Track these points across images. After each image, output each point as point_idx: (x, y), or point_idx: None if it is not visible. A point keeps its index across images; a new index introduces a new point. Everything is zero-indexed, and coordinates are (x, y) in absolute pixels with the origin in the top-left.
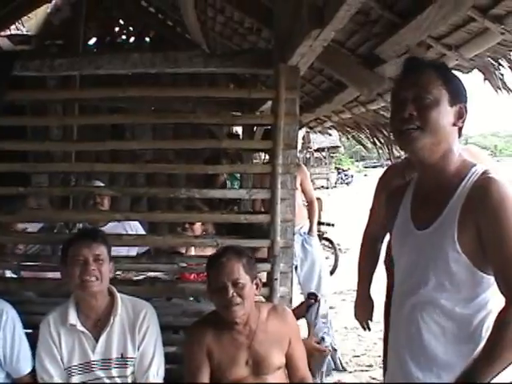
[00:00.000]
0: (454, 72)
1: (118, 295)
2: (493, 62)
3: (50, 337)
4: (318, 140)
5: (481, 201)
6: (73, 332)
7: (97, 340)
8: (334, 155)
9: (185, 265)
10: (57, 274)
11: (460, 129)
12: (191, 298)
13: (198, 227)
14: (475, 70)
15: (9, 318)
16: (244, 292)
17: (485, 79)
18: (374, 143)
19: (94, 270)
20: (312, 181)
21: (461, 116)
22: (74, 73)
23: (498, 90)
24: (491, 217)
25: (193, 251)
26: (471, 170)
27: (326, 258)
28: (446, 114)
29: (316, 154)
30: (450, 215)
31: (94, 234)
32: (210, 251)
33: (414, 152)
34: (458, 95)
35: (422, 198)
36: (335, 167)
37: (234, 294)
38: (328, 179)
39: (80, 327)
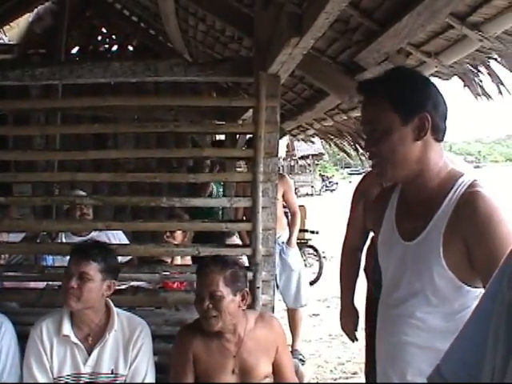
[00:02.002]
0: (432, 78)
1: (115, 310)
2: (472, 68)
3: (41, 344)
4: (302, 147)
5: (469, 217)
6: (65, 343)
7: (89, 353)
8: (319, 162)
9: (168, 273)
10: (39, 284)
11: (436, 138)
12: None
13: (178, 235)
14: (455, 77)
15: (7, 330)
16: (221, 304)
17: (464, 86)
18: (357, 150)
19: (74, 288)
20: (297, 188)
21: (421, 128)
22: (55, 82)
23: (478, 97)
24: (480, 234)
25: (178, 260)
26: (458, 181)
27: (310, 266)
28: (400, 137)
29: (300, 162)
30: (435, 229)
31: (86, 251)
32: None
33: (387, 183)
34: (412, 109)
35: (406, 207)
36: (320, 174)
37: (210, 306)
38: (313, 186)
39: (73, 339)
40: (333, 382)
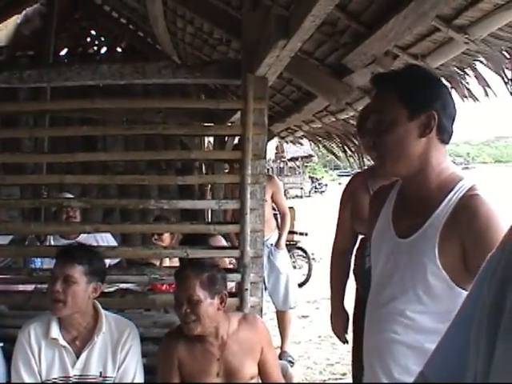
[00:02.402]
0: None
1: (103, 312)
2: (459, 71)
3: (29, 347)
4: (291, 149)
5: (467, 220)
6: (54, 346)
7: (77, 356)
8: (308, 164)
9: (157, 276)
10: (28, 287)
11: (441, 139)
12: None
13: (166, 237)
14: (442, 79)
15: None
16: (199, 309)
17: (451, 88)
18: (345, 152)
19: (59, 292)
20: (286, 190)
21: (427, 125)
22: (43, 84)
23: (465, 99)
24: (477, 237)
25: (167, 262)
26: (458, 183)
27: (300, 268)
28: (405, 131)
29: (290, 164)
30: (432, 228)
31: (70, 254)
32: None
33: (388, 177)
34: (421, 105)
35: (404, 205)
36: (309, 176)
37: (188, 310)
38: (302, 188)
39: (62, 342)
40: (322, 383)
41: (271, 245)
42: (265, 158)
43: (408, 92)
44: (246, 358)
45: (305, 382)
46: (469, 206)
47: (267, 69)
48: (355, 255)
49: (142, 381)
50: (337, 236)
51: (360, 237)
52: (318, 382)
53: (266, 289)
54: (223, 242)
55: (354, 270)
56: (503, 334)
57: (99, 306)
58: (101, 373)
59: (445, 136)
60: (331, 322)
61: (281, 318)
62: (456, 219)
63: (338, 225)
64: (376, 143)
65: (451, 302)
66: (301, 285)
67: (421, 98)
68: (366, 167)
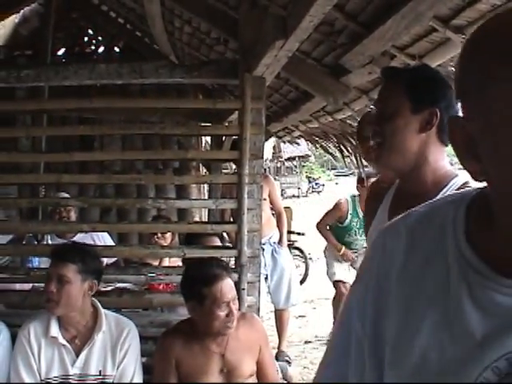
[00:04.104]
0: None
1: (103, 311)
2: None
3: (28, 346)
4: (288, 149)
5: None
6: (53, 344)
7: (77, 355)
8: (305, 164)
9: (154, 275)
10: (25, 286)
11: (441, 139)
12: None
13: (168, 236)
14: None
15: (5, 339)
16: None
17: None
18: (342, 152)
19: (53, 292)
20: (283, 190)
21: (429, 122)
22: (41, 84)
23: None
24: None
25: (166, 262)
26: (451, 181)
27: (297, 267)
28: (405, 123)
29: (287, 164)
30: None
31: (63, 253)
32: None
33: (381, 168)
34: (425, 101)
35: (400, 203)
36: (306, 176)
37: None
38: (299, 188)
39: (61, 340)
40: (319, 383)
41: (274, 242)
42: (262, 157)
43: (415, 86)
44: (244, 355)
45: (302, 382)
46: None
47: (265, 69)
48: None
49: (141, 380)
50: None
51: None
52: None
53: (268, 287)
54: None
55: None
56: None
57: (99, 305)
58: (100, 371)
59: (444, 137)
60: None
61: (280, 316)
62: None
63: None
64: (376, 131)
65: None
66: None
67: (427, 94)
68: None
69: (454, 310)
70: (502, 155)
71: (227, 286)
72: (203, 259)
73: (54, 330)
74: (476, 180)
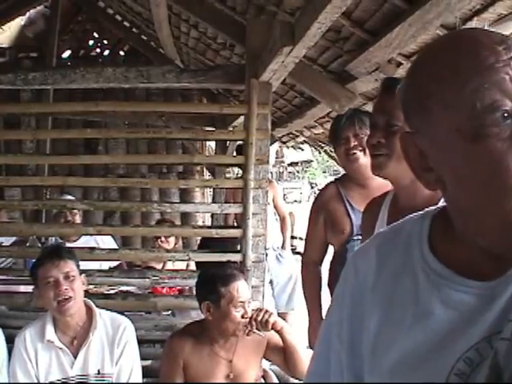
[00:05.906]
0: None
1: (97, 310)
2: None
3: (25, 352)
4: (291, 155)
5: None
6: (50, 348)
7: (75, 356)
8: (308, 169)
9: (157, 278)
10: (29, 288)
11: None
12: (168, 312)
13: (171, 240)
14: None
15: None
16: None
17: None
18: None
19: (67, 289)
20: (285, 195)
21: None
22: (48, 87)
23: None
24: None
25: (170, 266)
26: None
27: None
28: None
29: (289, 169)
30: None
31: (60, 252)
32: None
33: (382, 176)
34: None
35: (399, 215)
36: (308, 181)
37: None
38: (301, 193)
39: (58, 343)
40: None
41: (278, 247)
42: (268, 162)
43: None
44: (251, 359)
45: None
46: None
47: (271, 74)
48: (330, 268)
49: (140, 375)
50: (307, 249)
51: (331, 248)
52: None
53: (272, 292)
54: None
55: (328, 283)
56: None
57: (92, 304)
58: (99, 370)
59: None
60: (309, 337)
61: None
62: None
63: (309, 236)
64: (381, 143)
65: None
66: None
67: None
68: (336, 177)
69: (425, 312)
70: (449, 166)
71: (244, 286)
72: (219, 262)
73: (50, 333)
74: (431, 190)
